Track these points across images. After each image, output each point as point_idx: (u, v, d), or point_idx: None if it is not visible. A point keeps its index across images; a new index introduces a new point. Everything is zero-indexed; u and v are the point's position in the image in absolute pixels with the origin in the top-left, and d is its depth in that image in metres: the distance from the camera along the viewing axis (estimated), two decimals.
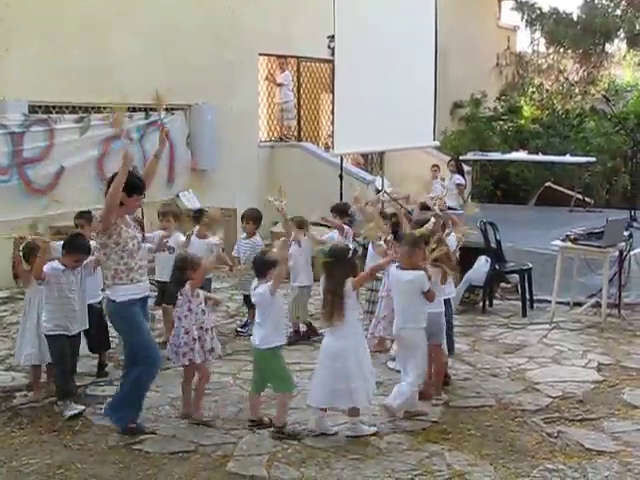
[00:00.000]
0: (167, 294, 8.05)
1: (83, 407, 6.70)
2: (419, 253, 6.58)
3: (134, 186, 6.20)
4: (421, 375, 6.72)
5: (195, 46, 13.69)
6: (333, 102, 12.36)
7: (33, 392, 7.13)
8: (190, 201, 13.04)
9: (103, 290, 7.24)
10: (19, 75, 11.22)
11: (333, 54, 12.52)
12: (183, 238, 8.35)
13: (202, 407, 6.68)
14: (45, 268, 6.66)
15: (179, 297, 6.61)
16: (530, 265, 10.23)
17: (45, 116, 11.56)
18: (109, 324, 7.04)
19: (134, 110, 12.89)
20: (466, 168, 16.57)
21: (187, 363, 6.57)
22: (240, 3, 14.55)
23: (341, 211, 9.17)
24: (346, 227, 8.92)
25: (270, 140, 15.93)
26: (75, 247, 6.73)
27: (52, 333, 6.68)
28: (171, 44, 13.27)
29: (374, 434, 6.28)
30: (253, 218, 9.26)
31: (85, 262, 6.80)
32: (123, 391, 6.40)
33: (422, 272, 6.51)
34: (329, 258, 6.29)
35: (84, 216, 8.03)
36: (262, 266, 6.35)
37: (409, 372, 6.60)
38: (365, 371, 6.30)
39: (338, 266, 6.25)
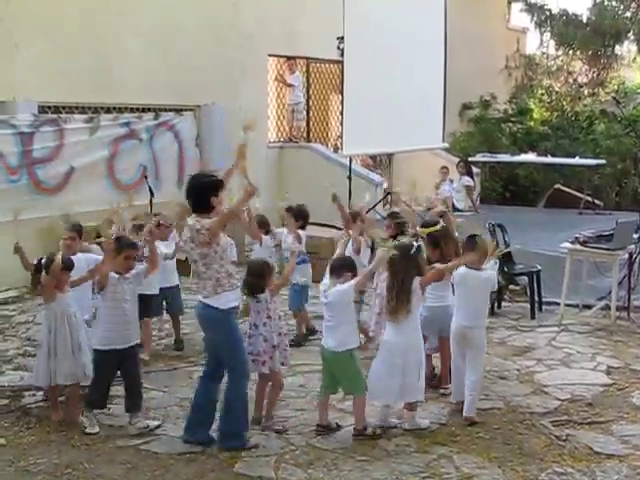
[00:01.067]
0: (147, 306, 7.78)
1: (98, 430, 6.41)
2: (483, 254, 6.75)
3: (220, 184, 6.09)
4: (482, 372, 6.88)
5: (204, 48, 13.70)
6: (342, 103, 12.37)
7: (53, 414, 6.68)
8: None
9: None
10: (27, 76, 11.24)
11: (342, 55, 12.54)
12: (165, 249, 8.08)
13: (273, 416, 6.57)
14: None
15: (256, 304, 6.46)
16: (539, 267, 10.20)
17: (55, 116, 11.59)
18: None
19: (143, 111, 12.94)
20: (475, 170, 16.57)
21: (267, 372, 6.46)
22: (249, 4, 14.57)
23: (298, 213, 8.90)
24: (301, 232, 8.78)
25: (279, 141, 15.93)
26: (123, 244, 6.49)
27: (104, 348, 6.35)
28: (180, 46, 13.28)
29: (378, 436, 6.29)
30: None
31: (136, 271, 6.52)
32: (230, 409, 6.12)
33: (494, 271, 6.68)
34: (395, 256, 6.32)
35: (76, 229, 7.56)
36: (341, 266, 6.37)
37: (474, 371, 6.65)
38: (420, 366, 6.39)
39: (404, 263, 6.30)
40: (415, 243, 6.67)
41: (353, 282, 6.25)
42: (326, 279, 6.43)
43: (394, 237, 7.78)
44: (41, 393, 7.06)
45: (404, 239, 7.22)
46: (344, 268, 6.35)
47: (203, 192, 5.97)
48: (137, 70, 12.69)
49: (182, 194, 9.92)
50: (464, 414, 6.58)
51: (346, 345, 6.25)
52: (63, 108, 11.92)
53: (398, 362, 6.26)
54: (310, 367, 7.79)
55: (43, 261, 6.67)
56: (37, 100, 11.43)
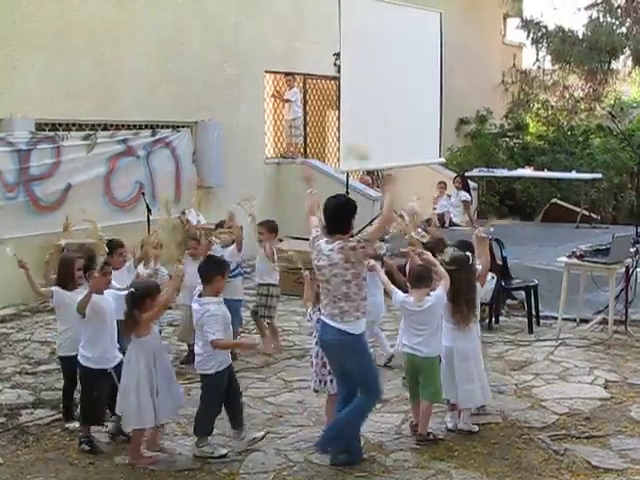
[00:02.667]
0: None
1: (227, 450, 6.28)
2: None
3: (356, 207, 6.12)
4: None
5: (201, 64, 13.77)
6: (339, 119, 12.39)
7: (132, 455, 6.20)
8: (196, 218, 13.05)
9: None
10: (25, 92, 11.28)
11: (339, 71, 12.58)
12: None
13: None
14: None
15: None
16: (536, 281, 10.21)
17: (52, 133, 11.60)
18: None
19: (140, 127, 12.96)
20: (472, 185, 16.59)
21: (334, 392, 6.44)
22: (246, 21, 14.63)
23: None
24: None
25: (276, 157, 15.95)
26: (225, 265, 6.44)
27: (221, 368, 6.20)
28: (178, 62, 13.34)
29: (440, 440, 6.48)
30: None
31: None
32: (345, 421, 6.10)
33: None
34: (454, 266, 6.52)
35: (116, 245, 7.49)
36: (428, 276, 6.50)
37: None
38: (482, 370, 6.71)
39: (465, 273, 6.58)
40: (468, 253, 6.84)
41: (442, 288, 6.43)
42: (398, 292, 6.55)
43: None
44: (41, 411, 7.05)
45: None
46: (430, 277, 6.51)
47: (346, 213, 6.00)
48: (135, 87, 12.73)
49: (178, 211, 9.87)
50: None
51: (437, 351, 6.49)
52: (60, 125, 11.94)
53: (471, 366, 6.58)
54: (307, 384, 7.77)
55: (134, 291, 6.14)
56: (34, 117, 11.45)
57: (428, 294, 6.43)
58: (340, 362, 6.07)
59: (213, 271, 6.25)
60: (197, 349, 6.26)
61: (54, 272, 6.91)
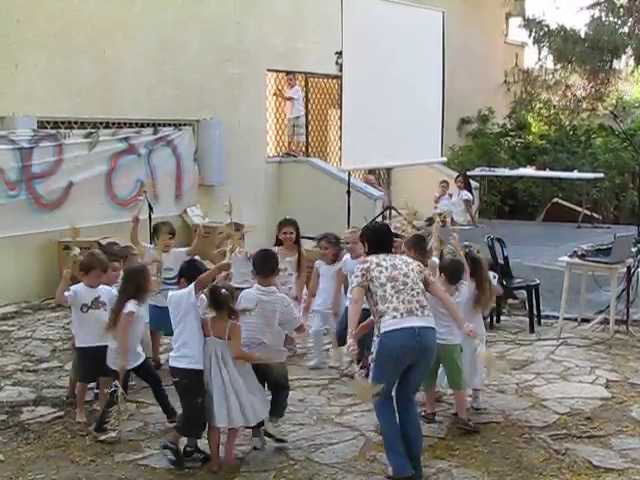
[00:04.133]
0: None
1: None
2: None
3: None
4: None
5: (203, 62, 13.77)
6: (341, 118, 12.40)
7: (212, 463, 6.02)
8: (197, 216, 13.07)
9: None
10: (28, 91, 11.29)
11: (341, 70, 12.58)
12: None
13: None
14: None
15: None
16: (537, 281, 10.20)
17: (54, 131, 11.60)
18: None
19: (142, 126, 12.97)
20: (474, 184, 16.61)
21: None
22: (248, 19, 14.63)
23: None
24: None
25: (278, 155, 15.95)
26: (276, 259, 6.42)
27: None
28: (180, 61, 13.35)
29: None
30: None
31: None
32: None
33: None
34: (479, 258, 7.02)
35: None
36: (463, 271, 6.80)
37: None
38: None
39: (484, 260, 7.09)
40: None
41: (468, 281, 6.80)
42: None
43: None
44: (42, 409, 7.04)
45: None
46: (464, 272, 6.81)
47: (392, 236, 6.35)
48: (137, 85, 12.74)
49: (180, 209, 9.88)
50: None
51: (459, 338, 6.61)
52: (62, 123, 11.94)
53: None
54: (309, 382, 7.80)
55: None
56: (36, 115, 11.45)
57: (457, 288, 6.68)
58: (426, 364, 5.94)
59: (275, 265, 6.32)
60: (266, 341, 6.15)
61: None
